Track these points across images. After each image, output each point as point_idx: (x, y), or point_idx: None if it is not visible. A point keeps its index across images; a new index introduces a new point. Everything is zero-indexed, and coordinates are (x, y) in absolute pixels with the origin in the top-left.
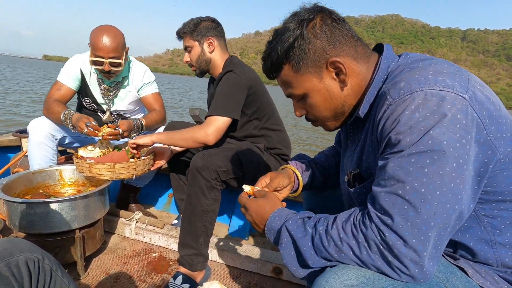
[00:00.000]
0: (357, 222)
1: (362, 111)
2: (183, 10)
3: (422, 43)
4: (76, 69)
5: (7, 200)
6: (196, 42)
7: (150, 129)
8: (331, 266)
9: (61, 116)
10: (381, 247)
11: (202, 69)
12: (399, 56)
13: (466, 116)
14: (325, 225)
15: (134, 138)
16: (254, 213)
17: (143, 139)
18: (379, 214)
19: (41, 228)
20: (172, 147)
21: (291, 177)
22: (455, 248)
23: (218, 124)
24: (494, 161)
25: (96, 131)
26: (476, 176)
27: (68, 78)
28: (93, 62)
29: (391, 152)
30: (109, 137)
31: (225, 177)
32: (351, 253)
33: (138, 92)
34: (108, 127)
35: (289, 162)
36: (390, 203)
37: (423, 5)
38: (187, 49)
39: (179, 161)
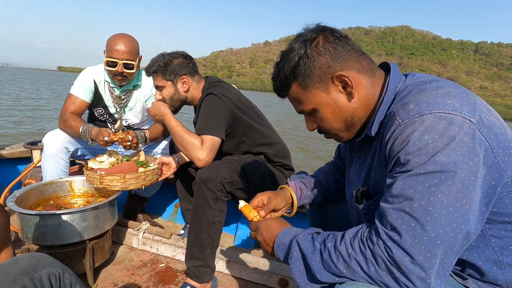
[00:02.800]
0: (365, 238)
1: (374, 130)
2: (193, 21)
3: (433, 54)
4: (89, 80)
5: (21, 213)
6: (169, 82)
7: (155, 141)
8: (340, 283)
9: (80, 130)
10: (388, 263)
11: (176, 107)
12: (406, 75)
13: (473, 140)
14: (333, 241)
15: (141, 149)
16: (265, 231)
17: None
18: (386, 230)
19: (53, 240)
20: (178, 158)
21: (288, 199)
22: (463, 267)
23: (213, 146)
24: (502, 184)
25: (113, 138)
26: (484, 197)
27: (82, 91)
28: (108, 63)
29: (400, 171)
30: (123, 143)
31: (230, 188)
32: (359, 269)
33: (146, 102)
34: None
35: (288, 182)
36: (398, 219)
37: (434, 17)
38: (158, 88)
39: (185, 171)
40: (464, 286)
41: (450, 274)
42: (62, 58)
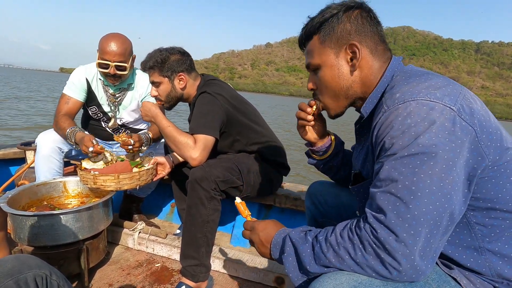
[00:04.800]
0: (353, 226)
1: (365, 110)
2: (195, 23)
3: (434, 54)
4: (82, 79)
5: (13, 214)
6: (166, 79)
7: (157, 140)
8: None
9: (66, 132)
10: (374, 245)
11: (172, 104)
12: (405, 67)
13: (454, 124)
14: (325, 234)
15: (144, 151)
16: (261, 232)
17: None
18: (373, 213)
19: (46, 241)
20: (173, 158)
21: (324, 139)
22: (446, 255)
23: (206, 145)
24: (483, 166)
25: (98, 149)
26: (466, 180)
27: (75, 90)
28: (100, 65)
29: (386, 155)
30: (124, 146)
31: (224, 187)
32: (347, 256)
33: (141, 101)
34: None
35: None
36: (384, 201)
37: (434, 17)
38: (154, 83)
39: (181, 171)
40: (450, 276)
41: (437, 263)
42: (64, 60)
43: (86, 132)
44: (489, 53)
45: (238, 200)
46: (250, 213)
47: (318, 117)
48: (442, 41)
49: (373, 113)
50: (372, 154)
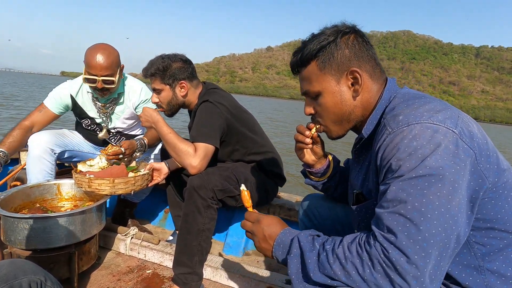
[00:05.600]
0: (362, 242)
1: (365, 132)
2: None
3: (434, 59)
4: (64, 96)
5: (5, 216)
6: (167, 86)
7: (153, 146)
8: (332, 286)
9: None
10: (384, 264)
11: (173, 111)
12: (401, 89)
13: (457, 147)
14: (332, 245)
15: (139, 157)
16: (267, 226)
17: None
18: (383, 233)
19: (37, 244)
20: (169, 164)
21: (322, 160)
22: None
23: (206, 153)
24: (484, 189)
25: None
26: (468, 202)
27: (53, 103)
28: (87, 80)
29: (393, 177)
30: (112, 156)
31: (221, 196)
32: (354, 271)
33: (135, 109)
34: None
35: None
36: (393, 221)
37: (435, 21)
38: (155, 90)
39: (176, 177)
40: None
41: None
42: (65, 63)
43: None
44: (489, 58)
45: (243, 187)
46: (252, 204)
47: (317, 139)
48: (442, 45)
49: (372, 134)
50: (373, 174)
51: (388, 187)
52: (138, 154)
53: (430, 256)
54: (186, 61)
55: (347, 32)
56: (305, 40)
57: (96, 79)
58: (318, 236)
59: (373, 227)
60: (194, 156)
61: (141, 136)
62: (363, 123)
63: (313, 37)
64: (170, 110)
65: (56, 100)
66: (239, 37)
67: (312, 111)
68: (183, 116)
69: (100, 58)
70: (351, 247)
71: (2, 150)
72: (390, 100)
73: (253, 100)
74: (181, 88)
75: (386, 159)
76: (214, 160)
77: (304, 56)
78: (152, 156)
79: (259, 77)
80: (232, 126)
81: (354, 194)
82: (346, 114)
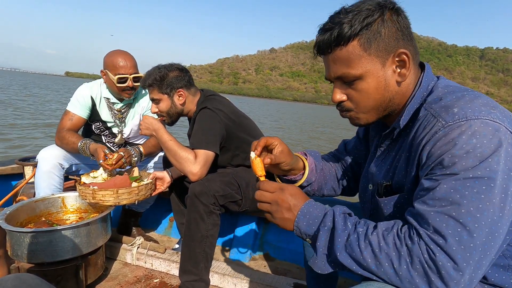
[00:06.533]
0: (402, 234)
1: (403, 121)
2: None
3: (439, 60)
4: (87, 97)
5: (11, 231)
6: (165, 95)
7: (150, 155)
8: (351, 271)
9: (78, 146)
10: (426, 264)
11: (173, 119)
12: (437, 77)
13: None
14: (365, 229)
15: (137, 161)
16: (292, 197)
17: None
18: (429, 233)
19: (44, 257)
20: (172, 172)
21: (298, 167)
22: None
23: (206, 160)
24: None
25: (109, 164)
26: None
27: (79, 108)
28: (119, 81)
29: (443, 174)
30: (116, 164)
31: (223, 202)
32: (388, 263)
33: (143, 114)
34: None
35: (305, 152)
36: (442, 223)
37: (439, 23)
38: (154, 101)
39: (180, 185)
40: None
41: None
42: (70, 64)
43: (98, 144)
44: (494, 60)
45: (253, 155)
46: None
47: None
48: (446, 47)
49: (409, 123)
50: (405, 165)
51: (437, 184)
52: (134, 159)
53: (476, 264)
54: (183, 70)
55: (392, 7)
56: (334, 15)
57: (127, 77)
58: (350, 215)
59: (413, 222)
60: (195, 163)
61: (138, 145)
62: (398, 111)
63: (348, 11)
64: (170, 119)
65: (81, 104)
66: (243, 38)
67: (344, 98)
68: (183, 123)
69: (125, 59)
70: (387, 238)
71: (84, 141)
72: (428, 89)
73: (255, 101)
74: (179, 97)
75: (437, 154)
76: (215, 166)
77: (342, 34)
78: (152, 164)
79: (262, 79)
80: (232, 131)
81: (382, 185)
82: (386, 101)
